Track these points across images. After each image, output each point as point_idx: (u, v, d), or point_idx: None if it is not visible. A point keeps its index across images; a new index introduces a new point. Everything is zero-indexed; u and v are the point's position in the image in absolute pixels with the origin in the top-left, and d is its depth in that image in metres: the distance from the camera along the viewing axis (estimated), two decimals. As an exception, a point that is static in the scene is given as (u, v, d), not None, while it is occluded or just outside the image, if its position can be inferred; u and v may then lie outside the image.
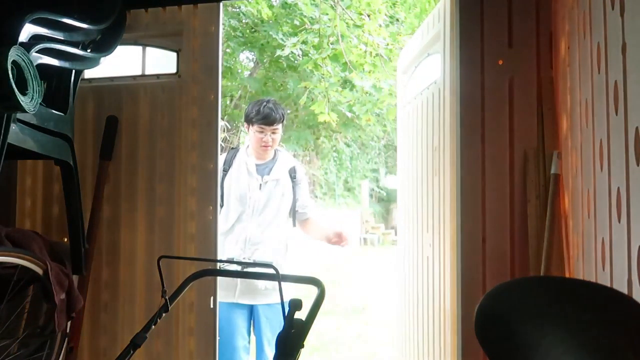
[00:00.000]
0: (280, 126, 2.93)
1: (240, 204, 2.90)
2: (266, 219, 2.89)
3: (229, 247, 2.88)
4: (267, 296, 2.81)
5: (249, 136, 3.01)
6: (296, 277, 1.64)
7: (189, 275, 1.64)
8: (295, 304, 1.32)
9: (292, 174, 3.00)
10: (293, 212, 3.00)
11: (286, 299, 1.31)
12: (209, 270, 1.72)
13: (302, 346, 1.31)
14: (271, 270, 1.35)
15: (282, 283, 1.33)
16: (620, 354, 0.58)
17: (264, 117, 2.85)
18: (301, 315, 1.35)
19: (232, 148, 3.20)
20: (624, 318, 0.60)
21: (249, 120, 2.94)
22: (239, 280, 2.80)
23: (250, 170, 2.92)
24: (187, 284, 1.59)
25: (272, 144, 2.92)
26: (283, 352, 1.27)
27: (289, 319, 1.30)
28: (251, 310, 2.88)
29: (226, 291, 2.76)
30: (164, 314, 1.53)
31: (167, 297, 1.46)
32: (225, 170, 3.00)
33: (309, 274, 1.63)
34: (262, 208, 2.90)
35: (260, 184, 2.92)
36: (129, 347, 1.39)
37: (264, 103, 2.91)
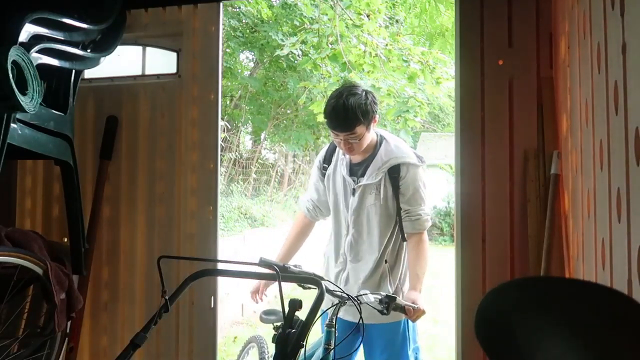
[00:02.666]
0: (360, 128, 2.13)
1: (334, 217, 2.37)
2: (360, 237, 2.28)
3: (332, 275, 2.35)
4: (374, 316, 2.08)
5: None
6: (296, 277, 1.65)
7: (189, 275, 1.64)
8: (295, 304, 1.34)
9: (394, 174, 2.23)
10: (400, 224, 2.25)
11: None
12: (208, 270, 1.72)
13: (303, 345, 1.31)
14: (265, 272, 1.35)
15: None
16: (621, 354, 0.58)
17: (333, 121, 2.14)
18: (301, 314, 1.35)
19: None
20: (624, 318, 0.60)
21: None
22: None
23: (344, 172, 2.31)
24: (187, 284, 1.59)
25: (354, 149, 2.19)
26: (283, 351, 1.28)
27: (288, 318, 1.31)
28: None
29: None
30: (164, 314, 1.53)
31: (167, 297, 1.46)
32: (324, 169, 2.40)
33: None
34: (355, 222, 2.28)
35: (354, 189, 2.27)
36: (129, 347, 1.40)
37: (335, 100, 2.15)
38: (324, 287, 1.47)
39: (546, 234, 2.01)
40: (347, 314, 2.20)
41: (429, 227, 2.28)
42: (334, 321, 1.95)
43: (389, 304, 1.92)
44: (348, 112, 2.10)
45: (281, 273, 1.35)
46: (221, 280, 2.50)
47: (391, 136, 2.34)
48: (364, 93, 2.16)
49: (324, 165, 2.39)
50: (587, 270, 1.66)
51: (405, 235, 2.26)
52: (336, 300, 1.95)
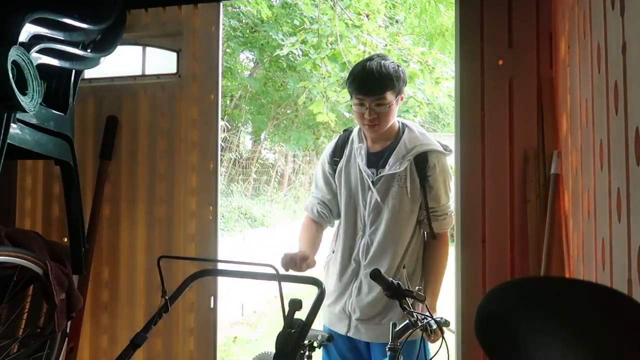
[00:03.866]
0: (390, 94, 1.92)
1: (345, 217, 2.06)
2: (378, 238, 1.98)
3: (328, 298, 2.05)
4: (382, 334, 1.86)
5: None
6: (296, 277, 1.64)
7: (189, 275, 1.64)
8: (295, 304, 1.32)
9: (422, 164, 1.98)
10: (427, 222, 2.01)
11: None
12: (208, 270, 1.72)
13: (302, 346, 1.31)
14: (272, 271, 1.35)
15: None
16: (621, 354, 0.58)
17: (362, 83, 1.92)
18: (301, 315, 1.35)
19: (345, 130, 2.20)
20: (624, 318, 0.60)
21: (348, 89, 2.03)
22: (354, 306, 1.98)
23: (359, 162, 2.03)
24: (187, 284, 1.59)
25: (380, 122, 1.94)
26: (283, 351, 1.27)
27: (288, 318, 1.30)
28: (368, 349, 2.02)
29: (338, 321, 2.03)
30: (164, 314, 1.53)
31: (167, 297, 1.46)
32: (334, 164, 2.11)
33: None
34: (373, 220, 1.99)
35: (373, 182, 2.00)
36: (129, 347, 1.40)
37: (365, 62, 1.96)
38: (324, 286, 1.46)
39: (546, 234, 2.01)
40: (340, 323, 2.00)
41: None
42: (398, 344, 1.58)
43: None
44: (381, 72, 1.90)
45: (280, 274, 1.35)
46: (221, 280, 2.50)
47: (413, 124, 2.12)
48: (394, 62, 2.00)
49: (335, 159, 2.11)
50: (587, 270, 1.66)
51: (426, 235, 2.04)
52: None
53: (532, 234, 2.08)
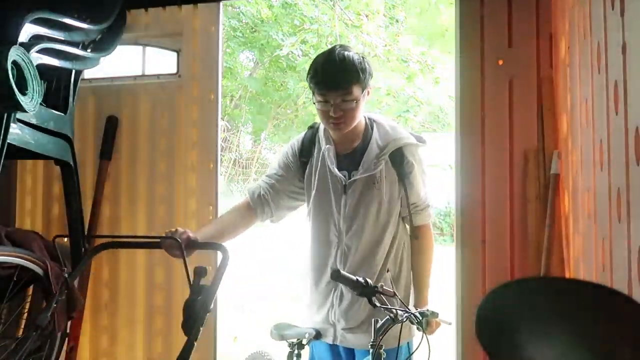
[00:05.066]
0: (357, 89, 1.76)
1: (318, 224, 1.92)
2: (356, 245, 1.85)
3: (310, 308, 1.94)
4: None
5: None
6: (201, 244, 1.67)
7: (90, 248, 1.66)
8: (200, 271, 1.36)
9: (398, 161, 1.85)
10: (409, 218, 1.90)
11: None
12: (110, 243, 1.73)
13: (209, 311, 1.37)
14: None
15: None
16: (621, 354, 0.58)
17: (325, 77, 1.75)
18: (206, 281, 1.38)
19: (310, 127, 2.01)
20: (624, 318, 0.60)
21: (309, 85, 1.85)
22: (338, 316, 1.86)
23: (330, 165, 1.87)
24: (87, 258, 1.62)
25: (346, 120, 1.78)
26: (191, 317, 1.32)
27: (194, 285, 1.34)
28: (353, 356, 1.91)
29: (323, 331, 1.90)
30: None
31: (66, 274, 1.50)
32: (302, 165, 1.95)
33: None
34: (349, 227, 1.85)
35: (345, 186, 1.85)
36: (31, 330, 1.43)
37: (326, 55, 1.80)
38: (228, 252, 1.47)
39: (546, 234, 2.01)
40: (324, 333, 1.88)
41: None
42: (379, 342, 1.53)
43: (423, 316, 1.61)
44: (345, 65, 1.73)
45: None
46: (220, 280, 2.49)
47: (381, 117, 1.97)
48: (358, 53, 1.83)
49: (303, 159, 1.93)
50: (587, 270, 1.66)
51: (410, 230, 1.91)
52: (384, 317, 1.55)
53: (532, 234, 2.08)
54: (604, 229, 1.41)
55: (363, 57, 1.82)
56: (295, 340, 1.82)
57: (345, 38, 6.49)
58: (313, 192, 1.91)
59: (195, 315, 1.31)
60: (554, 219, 2.01)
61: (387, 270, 1.83)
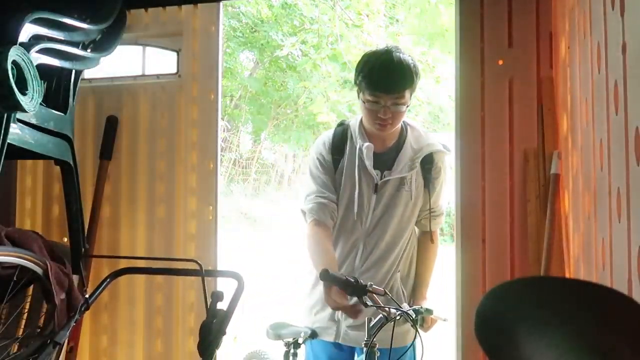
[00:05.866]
0: (408, 93, 1.77)
1: (343, 219, 1.89)
2: (378, 245, 1.85)
3: (312, 307, 1.91)
4: (379, 340, 1.67)
5: (360, 106, 1.86)
6: (218, 272, 1.70)
7: (110, 273, 1.68)
8: (217, 295, 1.40)
9: (428, 165, 1.88)
10: (426, 222, 1.94)
11: None
12: (130, 269, 1.76)
13: (224, 333, 1.38)
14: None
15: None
16: (621, 355, 0.58)
17: (381, 79, 1.73)
18: (223, 305, 1.42)
19: (340, 124, 2.00)
20: (623, 318, 0.60)
21: (358, 83, 1.81)
22: (344, 316, 1.81)
23: (366, 163, 1.85)
24: (108, 282, 1.65)
25: (393, 122, 1.79)
26: (207, 339, 1.34)
27: (211, 309, 1.38)
28: (352, 355, 1.91)
29: (326, 329, 1.89)
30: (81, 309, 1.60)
31: (87, 296, 1.53)
32: (336, 162, 1.91)
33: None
34: (374, 227, 1.86)
35: (377, 185, 1.86)
36: (50, 345, 1.44)
37: (383, 55, 1.77)
38: (243, 280, 1.50)
39: (546, 234, 2.01)
40: (327, 331, 1.86)
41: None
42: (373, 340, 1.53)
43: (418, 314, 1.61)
44: (402, 69, 1.72)
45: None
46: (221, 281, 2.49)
47: (412, 121, 2.00)
48: (410, 56, 1.81)
49: (336, 157, 1.90)
50: (587, 270, 1.66)
51: (420, 232, 1.96)
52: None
53: (532, 234, 2.08)
54: (604, 229, 1.41)
55: (415, 61, 1.81)
56: (291, 340, 1.84)
57: (346, 38, 6.50)
58: (343, 191, 1.88)
59: (212, 337, 1.35)
60: (554, 219, 2.01)
61: (398, 271, 1.88)
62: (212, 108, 2.50)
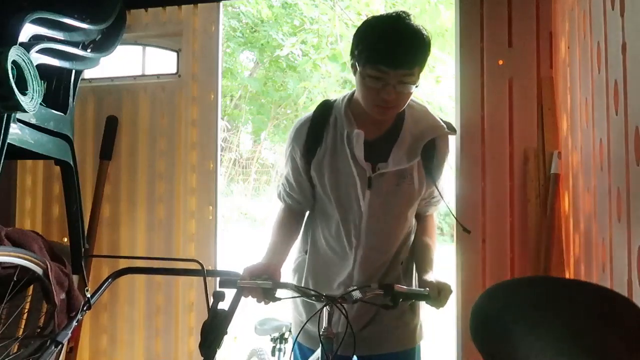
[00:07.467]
0: (418, 70, 1.41)
1: (329, 217, 1.60)
2: (376, 246, 1.57)
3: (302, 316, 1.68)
4: (377, 345, 1.60)
5: (356, 83, 1.49)
6: (219, 272, 1.70)
7: (111, 273, 1.68)
8: (219, 295, 1.42)
9: (429, 152, 1.55)
10: (424, 208, 1.68)
11: None
12: (131, 268, 1.76)
13: (226, 333, 1.38)
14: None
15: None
16: (619, 357, 0.58)
17: (391, 50, 1.37)
18: (224, 305, 1.44)
19: (323, 104, 1.63)
20: (621, 319, 0.60)
21: (356, 54, 1.44)
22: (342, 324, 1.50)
23: (355, 152, 1.51)
24: (109, 282, 1.66)
25: (397, 105, 1.45)
26: (208, 339, 1.37)
27: (213, 309, 1.39)
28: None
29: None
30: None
31: (88, 296, 1.53)
32: (309, 153, 1.57)
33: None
34: (369, 227, 1.55)
35: (370, 178, 1.51)
36: (50, 344, 1.45)
37: (392, 21, 1.40)
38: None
39: (546, 234, 2.01)
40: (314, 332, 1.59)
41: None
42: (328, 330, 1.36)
43: (393, 293, 1.35)
44: (417, 40, 1.38)
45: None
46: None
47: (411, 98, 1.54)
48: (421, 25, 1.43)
49: (310, 146, 1.56)
50: (587, 270, 1.66)
51: (417, 217, 1.68)
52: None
53: (532, 234, 2.08)
54: (604, 229, 1.41)
55: (429, 33, 1.44)
56: (277, 335, 1.87)
57: (346, 38, 6.49)
58: (327, 185, 1.56)
59: (213, 337, 1.37)
60: (554, 219, 2.01)
61: (401, 263, 1.63)
62: (212, 108, 2.50)
